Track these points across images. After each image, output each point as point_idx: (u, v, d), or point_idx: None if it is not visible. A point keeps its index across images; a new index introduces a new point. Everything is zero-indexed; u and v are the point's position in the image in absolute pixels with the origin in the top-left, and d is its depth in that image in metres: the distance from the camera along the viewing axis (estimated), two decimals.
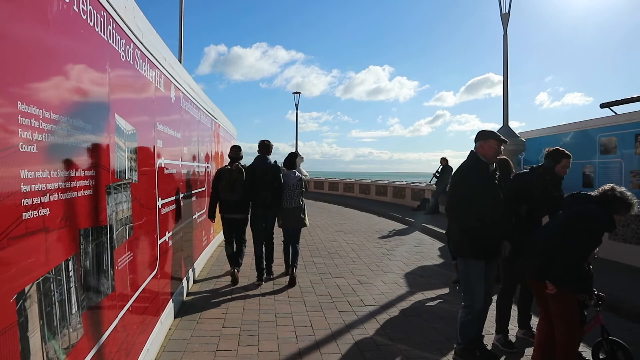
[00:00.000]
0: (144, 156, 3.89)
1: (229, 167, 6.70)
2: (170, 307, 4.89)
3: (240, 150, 6.98)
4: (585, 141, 11.73)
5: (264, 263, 6.82)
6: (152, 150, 4.23)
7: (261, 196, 6.61)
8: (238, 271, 6.76)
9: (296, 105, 30.87)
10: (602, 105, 11.36)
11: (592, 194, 3.63)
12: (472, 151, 4.10)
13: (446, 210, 4.17)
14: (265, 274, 6.81)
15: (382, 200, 21.50)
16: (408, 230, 12.76)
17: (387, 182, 22.26)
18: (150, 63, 4.18)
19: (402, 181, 21.99)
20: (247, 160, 7.21)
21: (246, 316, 5.28)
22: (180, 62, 13.97)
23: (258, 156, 6.81)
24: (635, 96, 10.51)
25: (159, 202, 4.53)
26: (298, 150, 32.12)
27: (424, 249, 9.87)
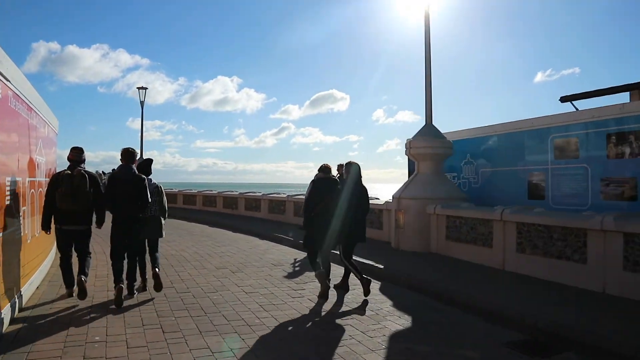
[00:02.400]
0: None
1: (69, 171, 5.91)
2: None
3: (83, 152, 6.20)
4: (530, 143, 9.68)
5: (126, 280, 6.14)
6: None
7: (124, 208, 6.08)
8: (85, 280, 5.90)
9: (141, 103, 25.42)
10: (563, 99, 9.54)
11: None
12: None
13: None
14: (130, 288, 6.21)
15: (256, 216, 17.75)
16: None
17: (260, 194, 18.57)
18: None
19: (279, 192, 18.56)
20: None
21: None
22: None
23: (121, 165, 6.24)
24: (601, 89, 8.74)
25: None
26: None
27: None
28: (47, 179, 8.09)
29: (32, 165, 6.49)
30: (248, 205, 18.63)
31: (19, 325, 4.95)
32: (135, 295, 6.21)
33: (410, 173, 13.65)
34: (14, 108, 5.37)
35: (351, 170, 6.64)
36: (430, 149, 10.07)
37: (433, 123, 10.44)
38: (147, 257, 6.71)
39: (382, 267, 8.13)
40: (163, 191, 6.97)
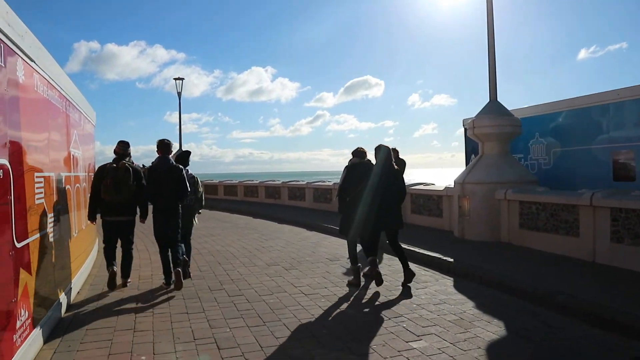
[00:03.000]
0: None
1: (114, 164, 6.10)
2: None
3: (129, 146, 6.40)
4: (615, 118, 8.48)
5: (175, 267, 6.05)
6: None
7: (164, 198, 6.15)
8: (127, 284, 6.27)
9: (179, 94, 25.13)
10: None
11: None
12: None
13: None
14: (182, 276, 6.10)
15: (300, 205, 17.08)
16: None
17: (304, 182, 17.83)
18: None
19: (324, 180, 17.79)
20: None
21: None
22: None
23: (159, 157, 6.29)
24: None
25: None
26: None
27: (444, 291, 5.69)
28: (87, 174, 7.62)
29: (67, 160, 5.96)
30: (291, 195, 17.97)
31: (74, 312, 5.22)
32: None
33: (467, 156, 12.60)
34: (44, 96, 4.77)
35: (380, 154, 6.27)
36: (496, 128, 9.03)
37: (498, 99, 9.38)
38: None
39: (451, 260, 7.23)
40: (199, 181, 7.08)
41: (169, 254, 6.21)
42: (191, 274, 6.80)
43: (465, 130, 12.53)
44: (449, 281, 6.51)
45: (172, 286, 6.01)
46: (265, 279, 6.68)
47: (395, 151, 12.02)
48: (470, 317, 4.97)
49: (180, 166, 6.32)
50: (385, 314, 5.12)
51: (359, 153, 6.49)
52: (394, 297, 5.78)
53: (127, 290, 6.13)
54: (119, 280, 6.23)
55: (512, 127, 9.06)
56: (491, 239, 8.69)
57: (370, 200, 6.02)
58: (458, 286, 6.25)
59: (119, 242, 6.42)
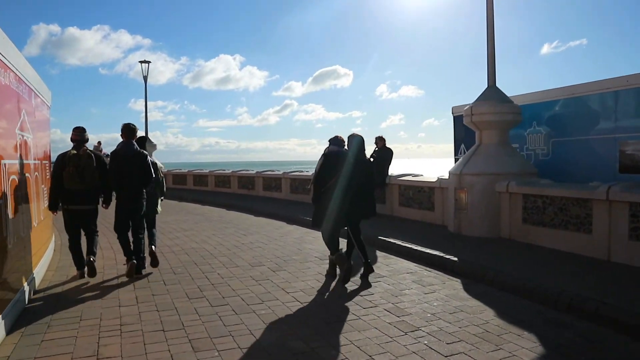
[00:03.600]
0: None
1: (75, 151, 5.83)
2: None
3: (85, 131, 6.07)
4: (623, 106, 7.97)
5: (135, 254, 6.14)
6: None
7: (128, 185, 6.04)
8: (94, 260, 5.99)
9: (145, 78, 23.70)
10: None
11: None
12: None
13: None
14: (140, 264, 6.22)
15: (276, 197, 16.19)
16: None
17: (280, 172, 16.94)
18: None
19: (301, 170, 16.95)
20: None
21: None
22: None
23: (122, 141, 6.13)
24: None
25: None
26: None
27: (443, 296, 5.00)
28: (39, 162, 6.61)
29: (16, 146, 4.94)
30: (266, 185, 17.05)
31: (37, 303, 5.09)
32: (143, 271, 6.29)
33: (456, 145, 12.01)
34: None
35: (353, 143, 6.16)
36: (497, 116, 8.40)
37: (497, 85, 8.75)
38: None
39: (455, 259, 6.56)
40: (159, 167, 6.89)
41: (131, 241, 6.22)
42: (165, 280, 6.01)
43: (455, 118, 11.95)
44: (457, 283, 5.84)
45: (126, 274, 6.09)
46: (250, 283, 5.84)
47: (382, 139, 11.32)
48: (496, 330, 4.29)
49: (145, 152, 6.20)
50: (399, 326, 4.38)
51: (337, 141, 6.17)
52: (401, 302, 5.05)
53: (92, 282, 5.96)
54: (90, 273, 6.02)
55: (512, 114, 8.45)
56: (491, 235, 8.09)
57: (344, 191, 5.86)
58: (469, 289, 5.58)
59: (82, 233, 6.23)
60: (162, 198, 6.92)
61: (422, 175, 11.03)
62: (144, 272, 6.30)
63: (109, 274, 6.31)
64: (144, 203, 6.24)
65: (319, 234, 9.37)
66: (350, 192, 5.88)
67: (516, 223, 7.81)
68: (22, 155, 5.29)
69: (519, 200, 7.74)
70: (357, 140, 6.15)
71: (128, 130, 6.12)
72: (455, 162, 12.45)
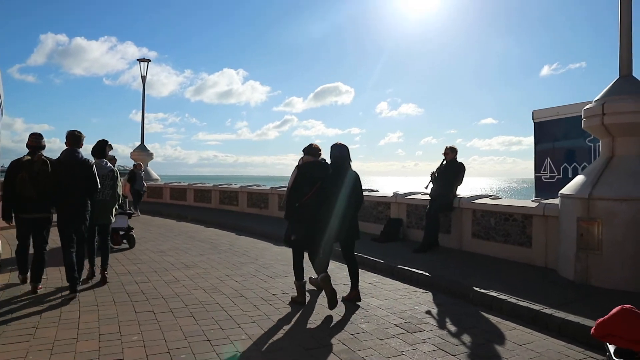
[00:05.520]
0: None
1: (29, 157, 5.78)
2: None
3: (42, 138, 6.00)
4: None
5: (76, 272, 5.73)
6: None
7: (70, 194, 5.75)
8: (39, 287, 5.84)
9: (143, 78, 21.26)
10: None
11: None
12: None
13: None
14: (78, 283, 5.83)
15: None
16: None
17: (268, 188, 14.71)
18: None
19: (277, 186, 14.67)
20: None
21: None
22: None
23: (66, 149, 5.86)
24: None
25: None
26: (140, 151, 22.23)
27: None
28: None
29: None
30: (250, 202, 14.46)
31: None
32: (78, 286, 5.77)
33: (539, 159, 9.48)
34: None
35: (336, 153, 5.62)
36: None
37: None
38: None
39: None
40: (118, 176, 6.85)
41: (73, 255, 5.79)
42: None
43: (537, 125, 9.47)
44: None
45: (72, 291, 5.60)
46: None
47: (454, 150, 8.80)
48: None
49: (90, 160, 6.02)
50: None
51: (312, 150, 5.63)
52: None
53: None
54: (28, 287, 5.91)
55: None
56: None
57: (344, 207, 5.39)
58: None
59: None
60: (136, 213, 6.66)
61: (500, 197, 8.41)
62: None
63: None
64: (87, 215, 5.92)
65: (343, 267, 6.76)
66: (332, 209, 5.35)
67: None
68: None
69: None
70: (346, 151, 5.58)
71: (73, 137, 5.88)
72: (536, 181, 9.97)
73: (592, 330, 3.19)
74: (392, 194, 10.31)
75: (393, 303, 5.57)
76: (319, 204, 5.37)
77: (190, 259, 8.20)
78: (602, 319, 3.16)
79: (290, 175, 5.58)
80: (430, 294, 6.03)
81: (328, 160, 5.66)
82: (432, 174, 8.54)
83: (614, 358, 3.03)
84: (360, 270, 6.47)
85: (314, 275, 5.86)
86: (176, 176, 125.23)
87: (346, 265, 5.72)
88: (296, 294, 5.51)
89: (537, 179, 9.53)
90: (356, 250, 5.90)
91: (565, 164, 9.01)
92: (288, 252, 6.43)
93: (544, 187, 9.39)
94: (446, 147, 8.53)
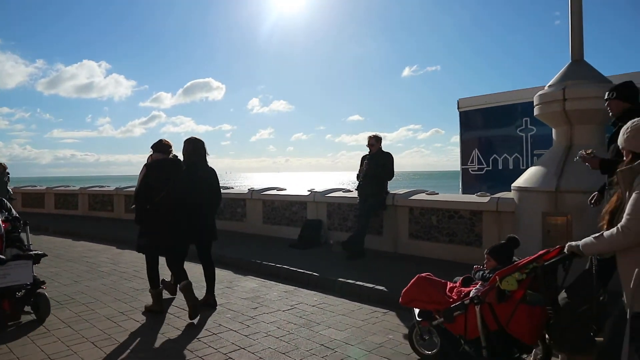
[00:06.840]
0: None
1: None
2: None
3: None
4: None
5: None
6: None
7: None
8: None
9: None
10: None
11: None
12: None
13: None
14: None
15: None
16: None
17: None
18: None
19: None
20: None
21: None
22: None
23: None
24: None
25: None
26: None
27: None
28: None
29: None
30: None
31: None
32: None
33: (465, 151, 9.07)
34: None
35: (198, 147, 5.40)
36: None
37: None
38: None
39: None
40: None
41: None
42: None
43: (462, 114, 9.03)
44: None
45: None
46: None
47: (379, 139, 7.88)
48: None
49: None
50: None
51: (161, 146, 5.29)
52: None
53: None
54: None
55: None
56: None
57: (181, 208, 5.06)
58: None
59: None
60: None
61: (436, 193, 7.72)
62: None
63: None
64: None
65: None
66: (187, 209, 5.12)
67: None
68: None
69: None
70: (201, 145, 5.43)
71: None
72: (463, 173, 9.56)
73: (400, 300, 3.60)
74: (308, 192, 9.17)
75: (361, 334, 4.42)
76: (172, 205, 5.03)
77: (63, 290, 6.18)
78: (405, 288, 3.57)
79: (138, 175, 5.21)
80: (393, 313, 5.02)
81: (180, 157, 5.37)
82: (358, 175, 7.58)
83: (417, 319, 3.57)
84: (291, 287, 6.09)
85: (168, 279, 5.68)
86: (28, 179, 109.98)
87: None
88: (151, 303, 5.21)
89: (464, 172, 9.14)
90: (275, 259, 5.54)
91: (495, 155, 8.72)
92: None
93: (471, 180, 9.04)
94: (370, 137, 7.53)
